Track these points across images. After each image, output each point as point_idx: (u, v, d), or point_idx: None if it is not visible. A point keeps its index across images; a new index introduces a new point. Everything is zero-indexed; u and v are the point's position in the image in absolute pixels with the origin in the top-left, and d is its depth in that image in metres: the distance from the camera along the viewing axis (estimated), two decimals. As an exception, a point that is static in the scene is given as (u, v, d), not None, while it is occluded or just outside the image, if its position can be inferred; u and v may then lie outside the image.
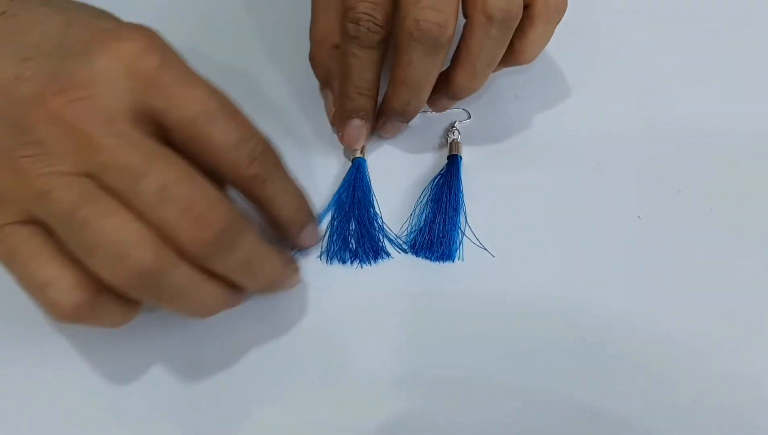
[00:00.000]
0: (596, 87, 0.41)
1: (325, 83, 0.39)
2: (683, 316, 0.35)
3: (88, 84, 0.26)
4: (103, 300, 0.28)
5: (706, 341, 0.34)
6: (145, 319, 0.34)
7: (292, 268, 0.33)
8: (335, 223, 0.37)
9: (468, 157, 0.39)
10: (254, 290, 0.32)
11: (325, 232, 0.37)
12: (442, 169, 0.38)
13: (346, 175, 0.38)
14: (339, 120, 0.38)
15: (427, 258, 0.36)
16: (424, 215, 0.37)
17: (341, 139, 0.38)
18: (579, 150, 0.39)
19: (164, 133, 0.28)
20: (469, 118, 0.40)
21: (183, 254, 0.27)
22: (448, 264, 0.36)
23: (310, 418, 0.33)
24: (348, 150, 0.39)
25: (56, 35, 0.28)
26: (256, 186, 0.30)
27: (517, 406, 0.33)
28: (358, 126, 0.37)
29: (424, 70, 0.34)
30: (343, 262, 0.36)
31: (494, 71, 0.36)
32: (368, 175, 0.38)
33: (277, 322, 0.34)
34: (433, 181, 0.38)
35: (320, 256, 0.36)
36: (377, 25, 0.33)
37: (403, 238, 0.37)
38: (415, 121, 0.39)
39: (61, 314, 0.27)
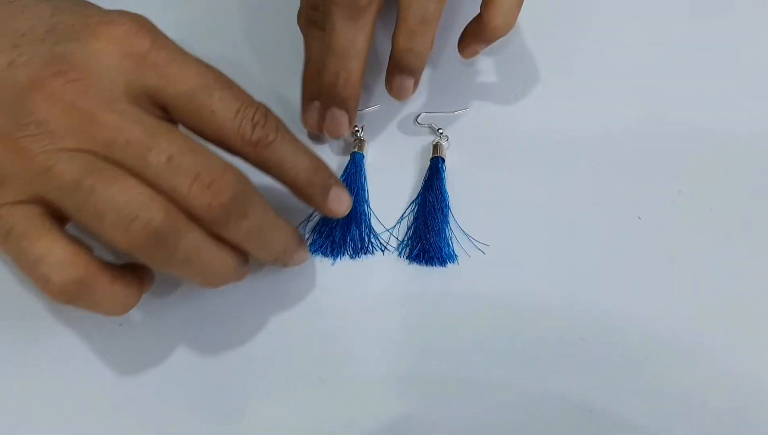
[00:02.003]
0: (596, 86, 0.41)
1: None
2: (683, 316, 0.35)
3: (83, 66, 0.27)
4: (100, 280, 0.27)
5: (706, 341, 0.35)
6: (143, 319, 0.34)
7: (302, 242, 0.33)
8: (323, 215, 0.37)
9: (467, 156, 0.39)
10: (265, 260, 0.32)
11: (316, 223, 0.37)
12: (426, 173, 0.38)
13: (345, 169, 0.38)
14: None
15: (419, 263, 0.36)
16: (412, 220, 0.37)
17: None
18: (579, 150, 0.39)
19: (165, 113, 0.29)
20: (467, 108, 0.40)
21: (196, 220, 0.27)
22: (449, 264, 0.36)
23: (311, 418, 0.33)
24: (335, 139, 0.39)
25: (44, 23, 0.28)
26: (264, 150, 0.30)
27: (516, 405, 0.33)
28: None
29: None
30: (325, 255, 0.36)
31: (473, 52, 0.37)
32: (365, 171, 0.38)
33: (278, 322, 0.34)
34: (422, 186, 0.38)
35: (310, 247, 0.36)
36: None
37: (399, 238, 0.37)
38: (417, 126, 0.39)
39: (52, 291, 0.27)
